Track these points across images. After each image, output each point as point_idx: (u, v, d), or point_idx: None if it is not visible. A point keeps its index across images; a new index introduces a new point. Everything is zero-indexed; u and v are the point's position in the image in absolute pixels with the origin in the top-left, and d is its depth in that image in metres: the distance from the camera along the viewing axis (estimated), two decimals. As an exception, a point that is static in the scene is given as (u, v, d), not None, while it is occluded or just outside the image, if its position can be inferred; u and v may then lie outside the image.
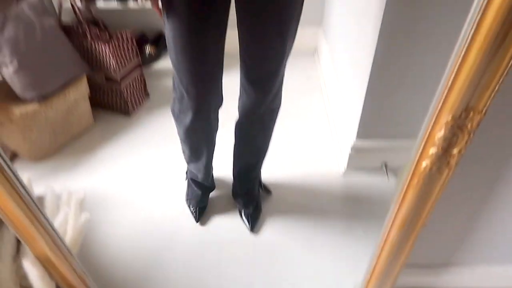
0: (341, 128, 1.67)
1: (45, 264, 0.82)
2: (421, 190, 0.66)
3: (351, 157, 1.54)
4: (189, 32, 0.95)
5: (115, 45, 1.70)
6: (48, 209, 1.31)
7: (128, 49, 1.77)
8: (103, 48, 1.69)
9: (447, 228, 1.04)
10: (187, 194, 1.50)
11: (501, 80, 0.53)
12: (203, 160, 1.31)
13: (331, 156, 1.69)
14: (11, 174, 0.65)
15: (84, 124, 1.81)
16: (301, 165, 1.66)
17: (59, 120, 1.67)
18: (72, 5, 1.69)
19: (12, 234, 0.99)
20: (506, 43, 0.49)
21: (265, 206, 1.50)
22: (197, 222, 1.44)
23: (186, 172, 1.52)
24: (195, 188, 1.44)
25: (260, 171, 1.48)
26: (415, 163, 0.65)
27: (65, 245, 0.83)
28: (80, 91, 1.71)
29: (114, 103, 1.86)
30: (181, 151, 1.36)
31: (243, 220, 1.45)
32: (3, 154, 0.63)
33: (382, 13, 1.12)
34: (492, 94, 0.53)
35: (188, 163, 1.39)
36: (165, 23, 0.98)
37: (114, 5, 1.87)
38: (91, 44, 1.70)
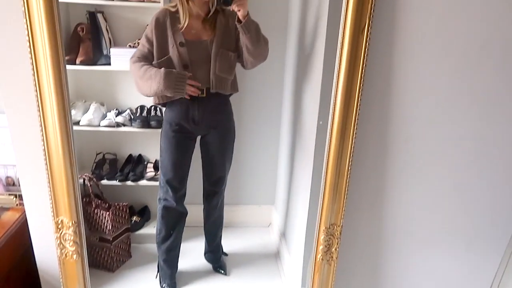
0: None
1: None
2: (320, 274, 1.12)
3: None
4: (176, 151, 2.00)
5: (113, 212, 2.20)
6: None
7: (122, 216, 2.26)
8: (104, 213, 2.18)
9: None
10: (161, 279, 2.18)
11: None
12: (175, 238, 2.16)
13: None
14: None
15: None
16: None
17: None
18: (83, 182, 2.24)
19: None
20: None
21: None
22: None
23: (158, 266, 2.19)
24: (167, 269, 2.16)
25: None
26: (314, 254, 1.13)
27: None
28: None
29: (101, 260, 2.23)
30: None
31: (218, 271, 2.29)
32: None
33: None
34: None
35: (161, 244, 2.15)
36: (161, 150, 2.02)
37: (115, 182, 2.44)
38: (94, 210, 2.19)
